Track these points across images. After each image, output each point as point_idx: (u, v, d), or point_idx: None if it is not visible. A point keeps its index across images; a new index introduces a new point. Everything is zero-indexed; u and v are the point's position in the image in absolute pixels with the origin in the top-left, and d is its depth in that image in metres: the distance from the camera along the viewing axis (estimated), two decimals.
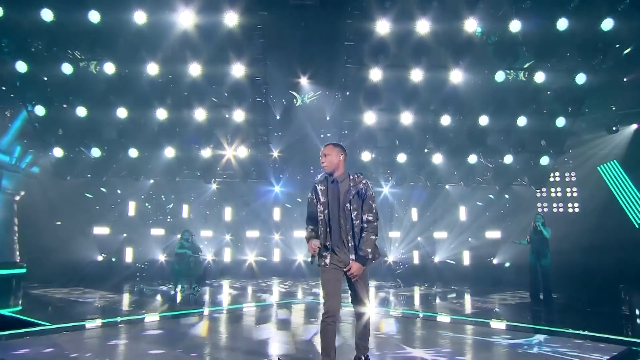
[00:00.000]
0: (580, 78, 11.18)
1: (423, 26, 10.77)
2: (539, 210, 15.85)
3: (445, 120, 12.07)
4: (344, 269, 4.38)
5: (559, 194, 15.99)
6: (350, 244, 4.38)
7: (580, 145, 14.42)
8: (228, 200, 16.00)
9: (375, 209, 4.40)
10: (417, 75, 11.45)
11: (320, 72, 13.58)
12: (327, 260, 4.40)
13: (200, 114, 12.05)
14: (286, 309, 9.24)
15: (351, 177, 4.46)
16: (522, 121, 11.96)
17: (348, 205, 4.36)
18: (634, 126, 14.35)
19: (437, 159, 12.58)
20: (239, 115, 12.25)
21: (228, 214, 16.27)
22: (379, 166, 13.21)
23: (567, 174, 15.79)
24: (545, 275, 10.69)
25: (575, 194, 15.88)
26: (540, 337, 6.92)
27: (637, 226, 15.05)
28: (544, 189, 15.88)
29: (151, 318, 8.15)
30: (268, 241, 16.18)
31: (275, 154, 14.63)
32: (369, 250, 4.29)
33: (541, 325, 7.93)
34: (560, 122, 11.99)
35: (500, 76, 11.33)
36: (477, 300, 10.94)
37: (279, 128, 14.44)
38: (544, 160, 12.62)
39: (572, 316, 9.16)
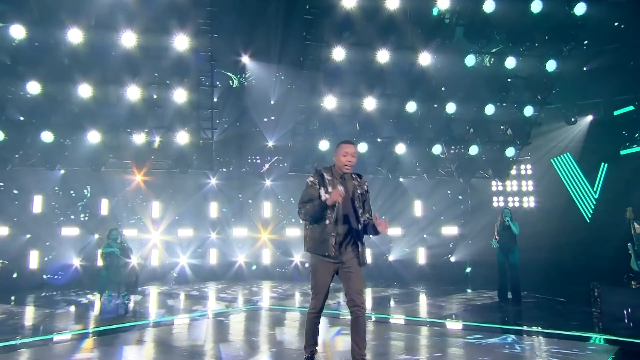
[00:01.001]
0: (551, 65, 11.49)
1: (393, 1, 10.52)
2: (496, 204, 16.30)
3: (411, 106, 11.96)
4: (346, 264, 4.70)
5: (515, 188, 16.53)
6: (358, 242, 4.76)
7: (537, 137, 14.85)
8: (158, 194, 14.93)
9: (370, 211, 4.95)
10: (383, 56, 11.21)
11: (273, 48, 12.97)
12: (332, 252, 4.65)
13: (133, 92, 10.99)
14: (234, 317, 8.79)
15: (353, 176, 4.87)
16: (489, 109, 12.12)
17: (357, 203, 4.78)
18: (589, 118, 15.14)
19: (400, 149, 12.46)
20: (180, 95, 11.34)
21: (156, 209, 15.23)
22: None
23: (522, 167, 16.31)
24: (513, 273, 10.92)
25: (531, 188, 16.45)
26: (524, 337, 7.07)
27: (588, 221, 15.92)
28: (499, 182, 16.35)
29: (76, 336, 7.19)
30: (204, 241, 15.40)
31: (214, 141, 13.81)
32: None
33: (519, 326, 8.10)
34: (528, 111, 12.33)
35: (470, 60, 11.40)
36: (442, 302, 11.05)
37: (224, 112, 13.65)
38: (510, 152, 12.95)
39: (546, 315, 9.37)
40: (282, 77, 14.67)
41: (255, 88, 14.89)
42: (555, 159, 16.38)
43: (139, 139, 11.59)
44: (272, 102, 15.06)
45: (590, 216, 15.93)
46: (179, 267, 14.96)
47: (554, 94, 12.92)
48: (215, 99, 13.75)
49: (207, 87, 11.81)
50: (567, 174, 16.45)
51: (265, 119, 15.21)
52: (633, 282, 9.87)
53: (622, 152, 15.16)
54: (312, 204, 4.61)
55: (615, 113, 15.06)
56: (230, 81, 15.01)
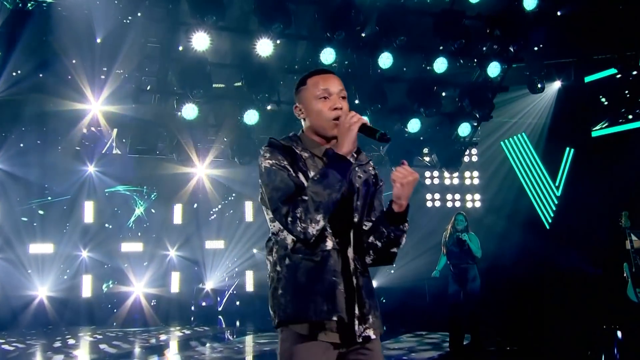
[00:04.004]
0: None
1: None
2: (430, 203, 15.90)
3: (328, 55, 10.80)
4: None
5: (456, 181, 16.26)
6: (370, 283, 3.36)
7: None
8: None
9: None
10: None
11: None
12: (343, 312, 3.13)
13: None
14: None
15: None
16: (441, 65, 11.41)
17: (359, 201, 3.35)
18: (557, 84, 14.97)
19: None
20: None
21: None
22: (207, 129, 11.72)
23: (467, 152, 15.97)
24: (472, 310, 10.29)
25: (476, 181, 16.42)
26: None
27: (547, 227, 15.93)
28: (435, 174, 15.90)
29: None
30: None
31: None
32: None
33: None
34: (494, 69, 11.74)
35: None
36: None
37: (14, 51, 12.06)
38: (464, 129, 12.38)
39: None
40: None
41: (71, 16, 12.90)
42: (507, 141, 16.29)
43: None
44: (99, 40, 13.20)
45: (550, 220, 16.13)
46: None
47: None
48: None
49: None
50: (521, 162, 16.47)
51: (76, 60, 13.42)
52: None
53: (594, 134, 15.33)
54: (315, 189, 3.03)
55: (587, 79, 15.11)
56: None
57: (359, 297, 3.18)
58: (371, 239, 3.27)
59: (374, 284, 11.88)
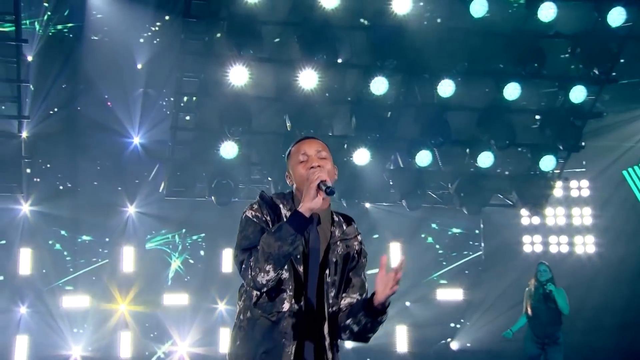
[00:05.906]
0: (616, 16, 11.86)
1: None
2: (529, 248, 16.70)
3: (380, 85, 12.16)
4: None
5: (561, 221, 16.70)
6: (326, 343, 4.19)
7: (597, 134, 15.01)
8: None
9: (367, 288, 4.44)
10: None
11: None
12: None
13: None
14: None
15: (336, 218, 4.40)
16: (512, 91, 12.50)
17: (327, 273, 4.25)
18: None
19: (361, 156, 12.77)
20: None
21: None
22: (250, 168, 13.20)
23: (574, 185, 16.60)
24: None
25: (588, 221, 16.59)
26: None
27: None
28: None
29: None
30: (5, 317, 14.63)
31: (24, 134, 13.41)
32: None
33: None
34: (578, 94, 12.66)
35: (479, 8, 11.65)
36: None
37: (45, 82, 13.57)
38: (547, 162, 13.30)
39: None
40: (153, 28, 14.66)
41: (104, 42, 14.66)
42: (631, 170, 16.76)
43: None
44: (140, 66, 14.91)
45: None
46: None
47: (622, 63, 13.29)
48: (30, 58, 13.39)
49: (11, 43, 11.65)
50: None
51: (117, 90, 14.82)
52: None
53: None
54: (267, 240, 3.89)
55: None
56: (40, 29, 14.33)
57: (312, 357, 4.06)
58: (349, 321, 4.13)
59: (454, 346, 13.19)
